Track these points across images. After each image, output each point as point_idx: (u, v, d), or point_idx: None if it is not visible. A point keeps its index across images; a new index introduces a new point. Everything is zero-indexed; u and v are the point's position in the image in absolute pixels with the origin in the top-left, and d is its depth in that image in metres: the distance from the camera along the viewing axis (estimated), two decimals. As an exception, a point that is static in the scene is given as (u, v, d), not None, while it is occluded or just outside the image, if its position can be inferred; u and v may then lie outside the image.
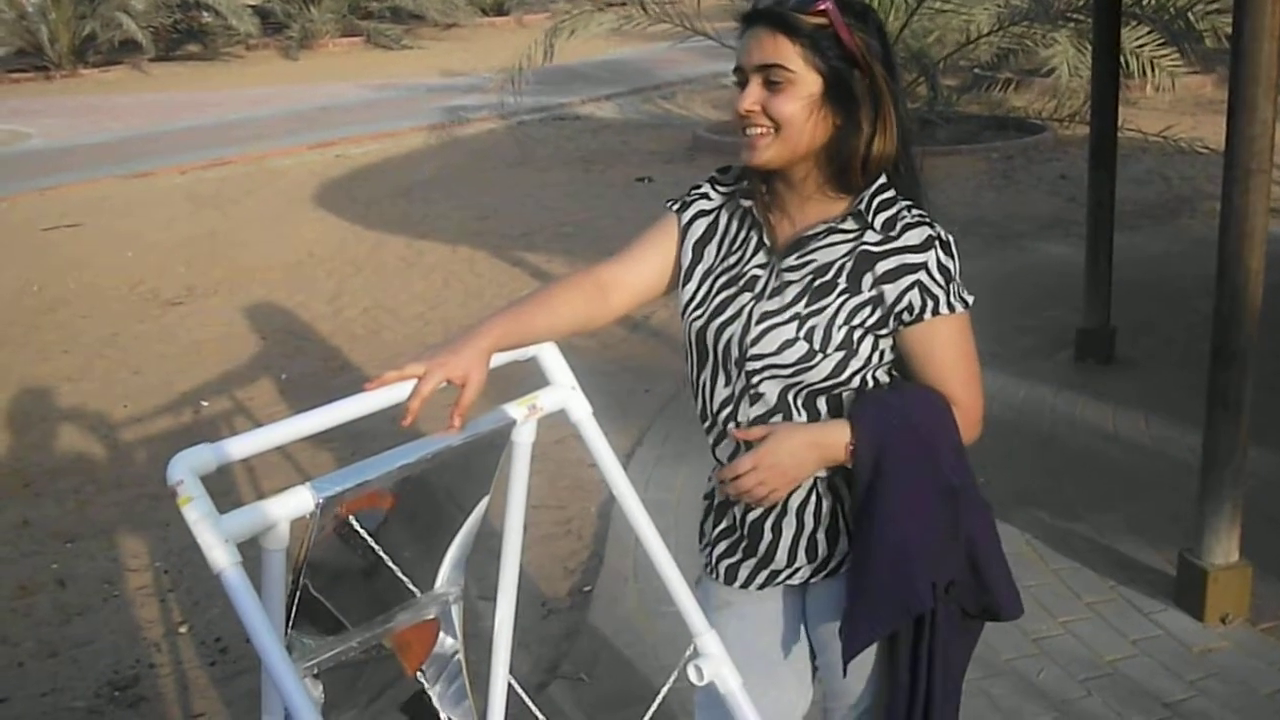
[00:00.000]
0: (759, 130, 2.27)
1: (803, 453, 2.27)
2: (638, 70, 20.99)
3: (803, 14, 2.21)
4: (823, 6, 2.21)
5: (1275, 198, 4.48)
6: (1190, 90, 15.15)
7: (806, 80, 2.23)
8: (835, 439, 2.27)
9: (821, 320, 2.27)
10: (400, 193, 12.63)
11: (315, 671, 1.99)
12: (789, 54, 2.22)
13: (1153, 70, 12.76)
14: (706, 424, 2.44)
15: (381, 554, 2.27)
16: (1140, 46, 12.68)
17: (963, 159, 12.71)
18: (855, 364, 2.28)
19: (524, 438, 2.47)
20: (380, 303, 8.87)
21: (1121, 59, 9.38)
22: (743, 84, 2.28)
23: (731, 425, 2.38)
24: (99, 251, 10.74)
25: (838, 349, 2.26)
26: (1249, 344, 4.21)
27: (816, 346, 2.26)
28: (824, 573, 2.46)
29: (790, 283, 2.32)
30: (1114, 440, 5.97)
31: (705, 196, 2.50)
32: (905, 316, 2.27)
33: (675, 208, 2.53)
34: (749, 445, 2.32)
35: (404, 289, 9.21)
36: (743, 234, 2.43)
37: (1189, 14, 11.69)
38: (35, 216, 12.20)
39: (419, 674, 2.49)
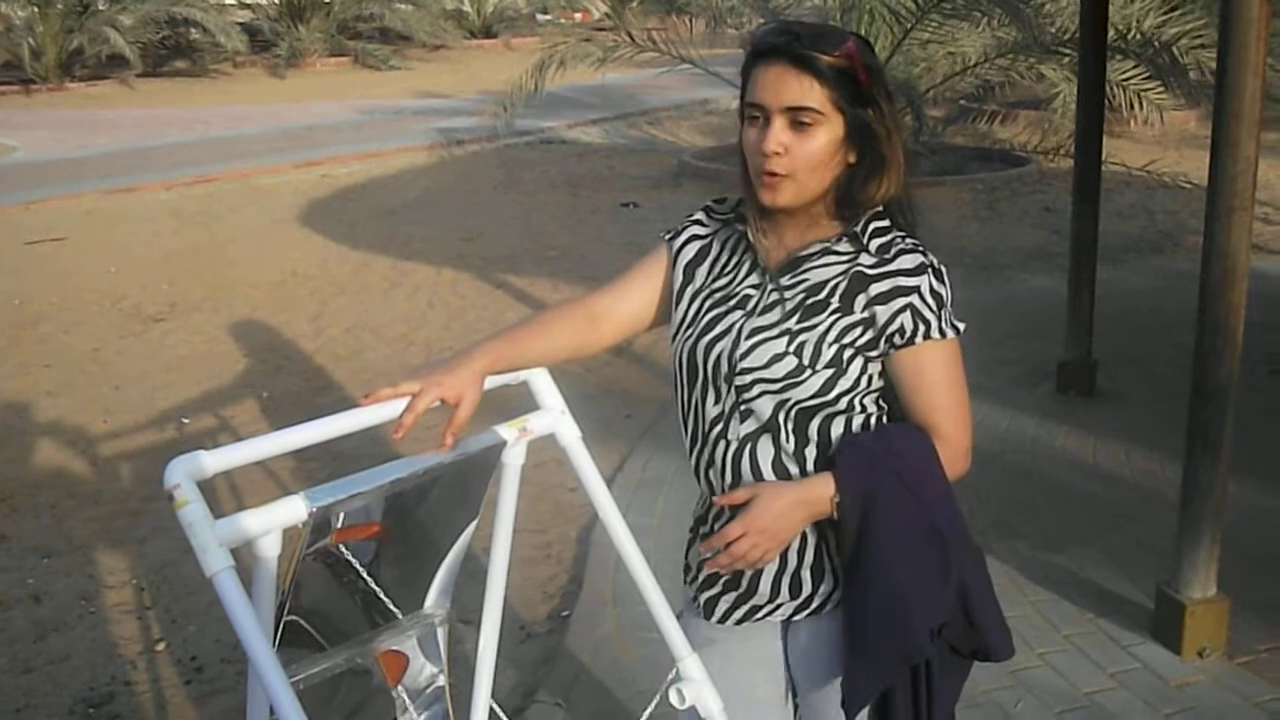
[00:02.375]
0: (781, 172, 2.26)
1: (789, 512, 2.27)
2: (625, 96, 21.05)
3: (827, 55, 2.21)
4: (848, 49, 2.22)
5: (1257, 234, 4.50)
6: (1175, 125, 15.26)
7: (833, 122, 2.24)
8: (819, 494, 2.27)
9: (812, 336, 2.28)
10: (385, 213, 12.63)
11: (300, 687, 1.99)
12: (817, 96, 2.22)
13: (1139, 104, 12.85)
14: (696, 446, 2.44)
15: (367, 579, 2.28)
16: (1126, 80, 12.77)
17: (947, 190, 12.76)
18: (844, 384, 2.29)
19: (514, 459, 2.48)
20: (363, 323, 8.86)
21: (1107, 92, 9.45)
22: (761, 120, 2.27)
23: (716, 497, 2.40)
24: (82, 266, 10.71)
25: (826, 366, 2.27)
26: (1229, 380, 4.23)
27: (805, 362, 2.27)
28: (807, 610, 2.45)
29: (782, 300, 2.33)
30: (1094, 473, 5.99)
31: (699, 223, 2.52)
32: (896, 339, 2.28)
33: (668, 237, 2.55)
34: (745, 465, 2.34)
35: (387, 309, 9.21)
36: (735, 258, 2.44)
37: (1174, 48, 11.79)
38: (19, 230, 12.17)
39: (398, 691, 2.49)
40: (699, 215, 2.53)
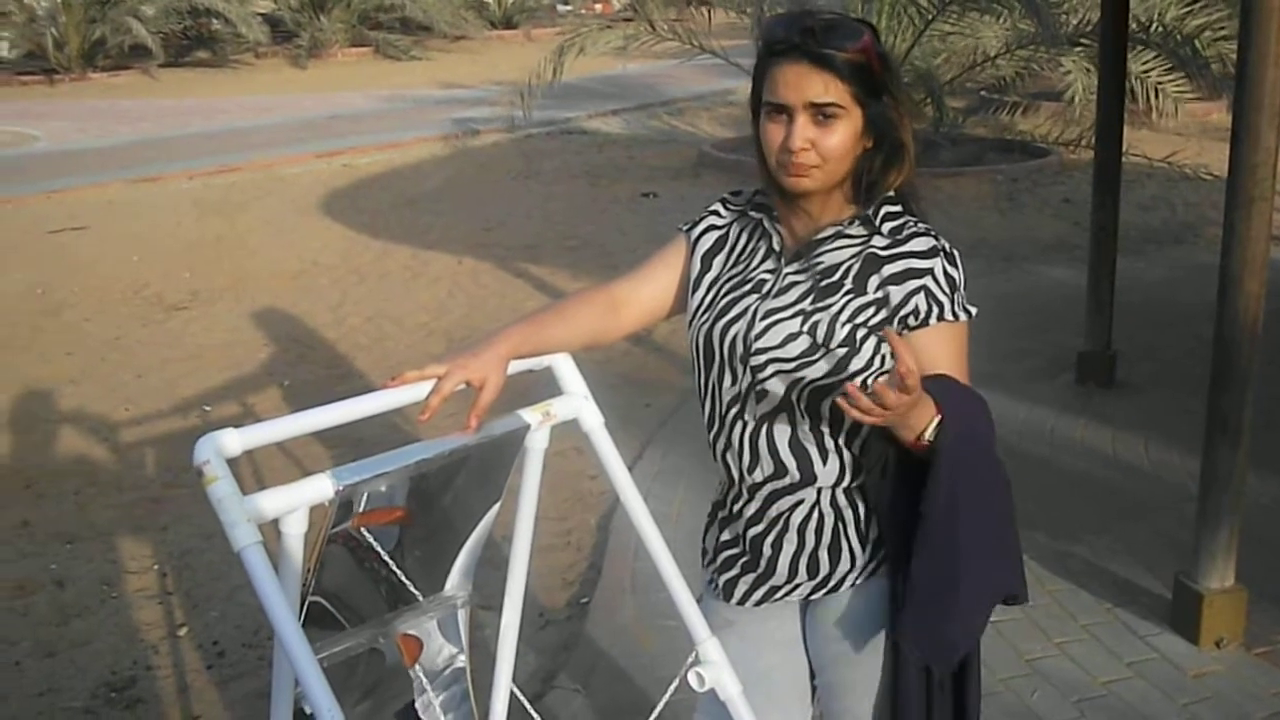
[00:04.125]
0: (810, 164, 2.29)
1: (918, 411, 2.15)
2: (645, 86, 21.04)
3: (845, 52, 2.24)
4: (865, 43, 2.25)
5: (1277, 225, 4.50)
6: (1197, 117, 15.20)
7: (853, 114, 2.28)
8: (925, 408, 2.16)
9: (825, 316, 2.30)
10: (406, 203, 12.65)
11: (324, 665, 2.02)
12: (839, 91, 2.25)
13: (1158, 96, 12.81)
14: (714, 427, 2.46)
15: (390, 563, 2.30)
16: (1147, 72, 12.73)
17: (968, 181, 12.73)
18: (857, 363, 2.30)
19: (537, 444, 2.51)
20: (384, 312, 8.89)
21: (1128, 84, 9.44)
22: (783, 115, 2.29)
23: (889, 329, 2.25)
24: (104, 255, 10.76)
25: (840, 345, 2.29)
26: (1248, 369, 4.23)
27: (819, 341, 2.29)
28: (825, 590, 2.48)
29: (796, 283, 2.36)
30: (1113, 463, 5.99)
31: (716, 214, 2.57)
32: (911, 320, 2.30)
33: (686, 228, 2.58)
34: (762, 445, 2.37)
35: (408, 298, 9.24)
36: (751, 244, 2.48)
37: (1195, 41, 11.76)
38: (42, 219, 12.22)
39: (415, 671, 2.51)
40: (716, 206, 2.58)
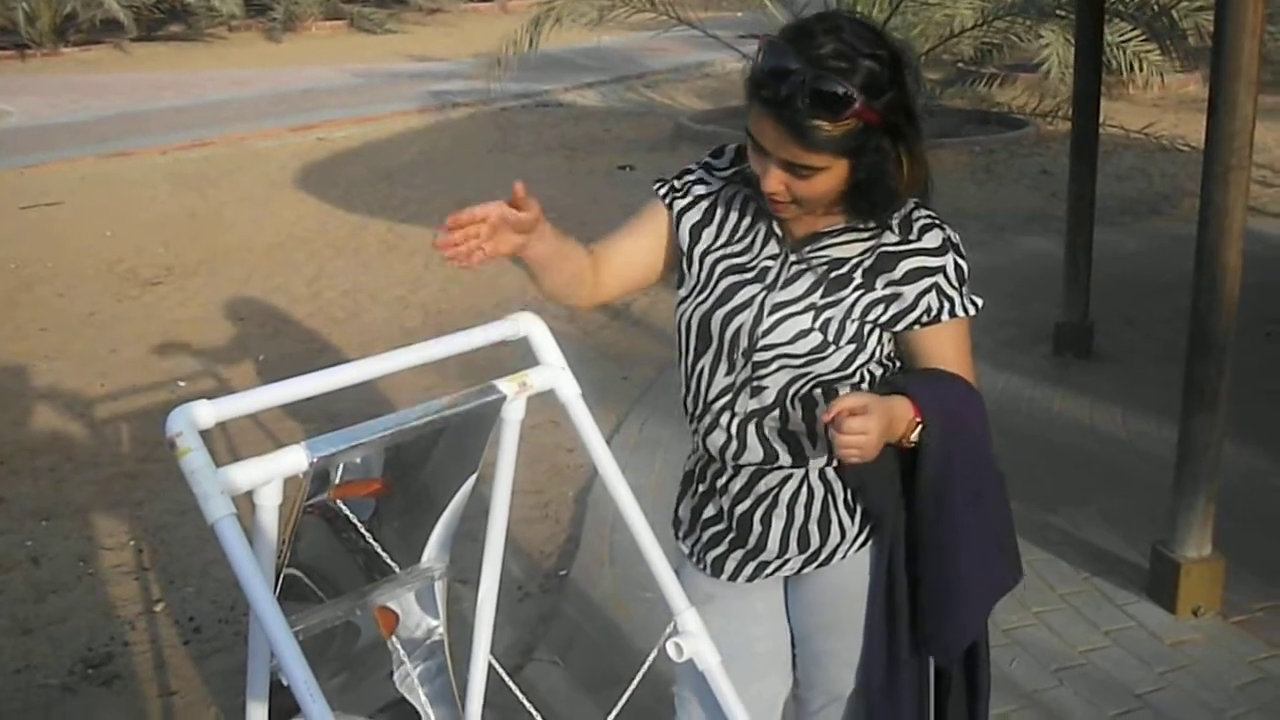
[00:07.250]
0: (786, 201, 2.22)
1: (883, 432, 2.13)
2: (621, 58, 20.94)
3: (829, 124, 2.09)
4: (855, 109, 2.08)
5: (1255, 197, 4.50)
6: (1174, 88, 15.21)
7: (833, 169, 2.16)
8: (901, 413, 2.18)
9: (837, 313, 2.27)
10: (382, 177, 12.59)
11: (300, 638, 2.01)
12: (818, 157, 2.13)
13: (1141, 66, 12.80)
14: (698, 410, 2.43)
15: (366, 535, 2.29)
16: (1125, 42, 12.73)
17: (945, 153, 12.71)
18: (862, 358, 2.29)
19: (513, 415, 2.48)
20: (360, 286, 8.85)
21: (1105, 55, 9.43)
22: (761, 151, 2.19)
23: (822, 413, 2.19)
24: (78, 230, 10.68)
25: (849, 342, 2.27)
26: (1225, 338, 4.24)
27: (830, 339, 2.26)
28: (815, 563, 2.47)
29: (804, 274, 2.31)
30: (1091, 433, 6.00)
31: (700, 181, 2.47)
32: (924, 319, 2.28)
33: (662, 191, 2.50)
34: (751, 435, 2.36)
35: (384, 272, 9.20)
36: (747, 221, 2.40)
37: (1172, 12, 11.75)
38: (14, 194, 12.13)
39: (393, 643, 2.50)
40: (698, 172, 2.48)
